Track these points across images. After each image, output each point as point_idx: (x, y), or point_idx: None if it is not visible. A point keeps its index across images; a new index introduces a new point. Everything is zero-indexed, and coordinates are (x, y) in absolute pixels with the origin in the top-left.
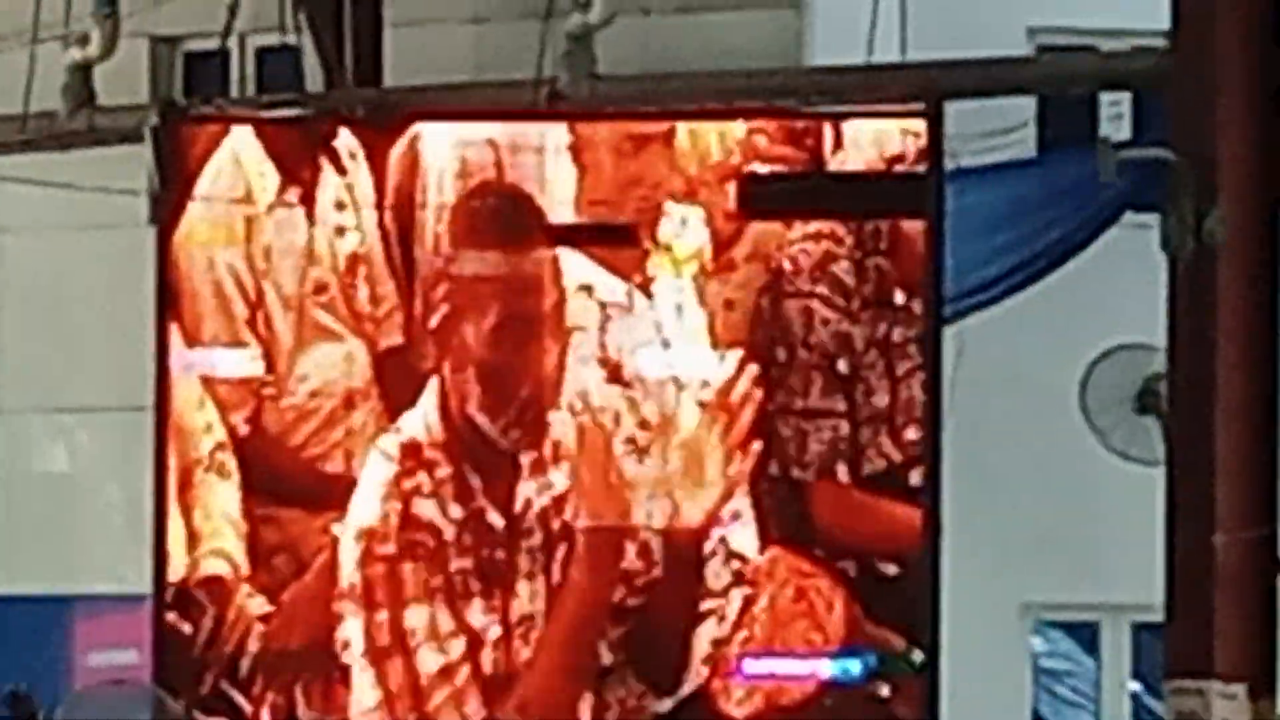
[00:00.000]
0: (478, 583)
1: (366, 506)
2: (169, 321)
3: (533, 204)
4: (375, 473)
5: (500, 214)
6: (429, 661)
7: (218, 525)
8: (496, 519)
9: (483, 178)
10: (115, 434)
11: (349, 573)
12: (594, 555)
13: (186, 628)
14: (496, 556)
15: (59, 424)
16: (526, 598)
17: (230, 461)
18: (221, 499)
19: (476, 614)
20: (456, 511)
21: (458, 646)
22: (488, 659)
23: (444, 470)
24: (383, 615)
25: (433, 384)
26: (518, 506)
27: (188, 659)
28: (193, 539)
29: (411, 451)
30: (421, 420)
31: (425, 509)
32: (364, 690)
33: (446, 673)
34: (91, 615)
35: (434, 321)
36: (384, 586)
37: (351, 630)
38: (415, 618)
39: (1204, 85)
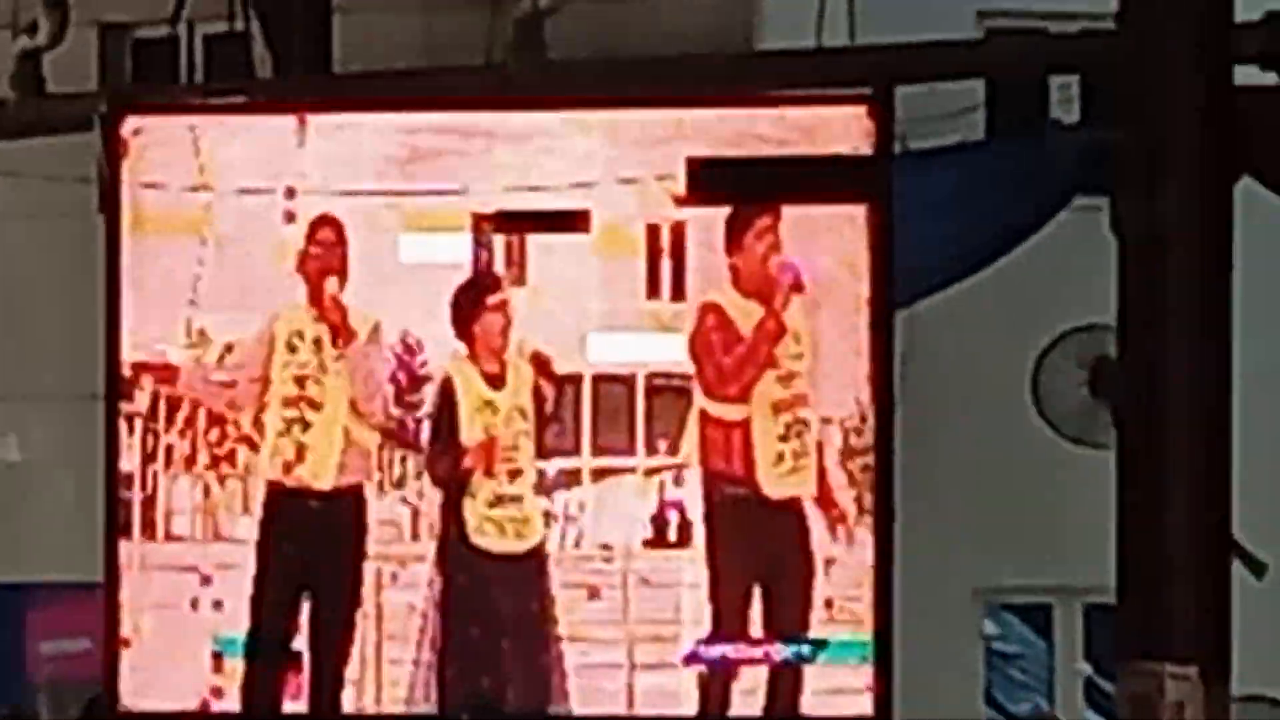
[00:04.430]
0: None
1: None
2: (119, 310)
3: None
4: None
5: None
6: None
7: None
8: None
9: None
10: (67, 422)
11: None
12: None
13: None
14: None
15: (10, 412)
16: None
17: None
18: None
19: None
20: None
21: None
22: None
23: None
24: None
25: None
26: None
27: None
28: None
29: None
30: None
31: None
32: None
33: None
34: (44, 604)
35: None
36: None
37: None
38: None
39: (1153, 67)
